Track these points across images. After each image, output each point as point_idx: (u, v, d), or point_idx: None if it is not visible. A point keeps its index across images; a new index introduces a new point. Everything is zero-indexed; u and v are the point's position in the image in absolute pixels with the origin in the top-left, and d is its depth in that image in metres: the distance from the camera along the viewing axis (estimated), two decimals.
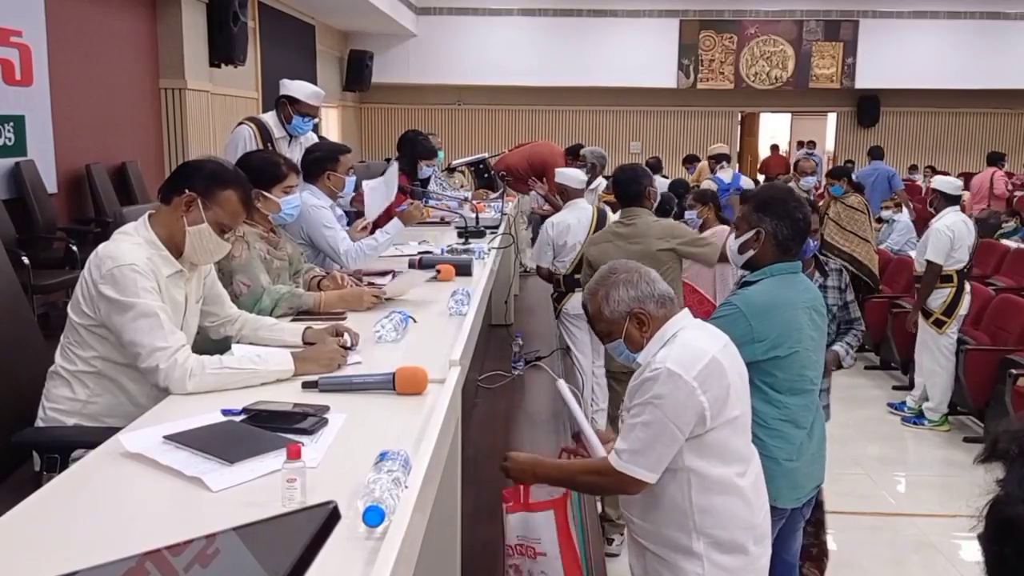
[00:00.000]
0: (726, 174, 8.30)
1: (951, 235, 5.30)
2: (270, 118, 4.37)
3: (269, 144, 4.22)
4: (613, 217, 5.36)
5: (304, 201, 3.45)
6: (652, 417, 2.04)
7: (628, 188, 4.01)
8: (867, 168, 10.12)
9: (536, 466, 2.27)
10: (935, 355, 5.51)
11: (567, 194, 5.28)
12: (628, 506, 2.23)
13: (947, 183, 5.61)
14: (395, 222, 3.61)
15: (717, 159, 8.61)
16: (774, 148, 16.48)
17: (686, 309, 2.27)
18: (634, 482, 2.07)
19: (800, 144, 15.30)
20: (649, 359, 2.13)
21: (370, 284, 3.01)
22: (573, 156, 8.12)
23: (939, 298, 5.39)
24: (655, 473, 2.06)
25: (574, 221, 5.14)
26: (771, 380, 2.52)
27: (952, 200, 5.52)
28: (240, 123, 4.37)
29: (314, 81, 12.16)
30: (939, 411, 5.62)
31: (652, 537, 2.18)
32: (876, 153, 10.56)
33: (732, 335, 2.41)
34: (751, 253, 2.64)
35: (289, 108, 4.33)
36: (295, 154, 4.41)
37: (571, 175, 5.34)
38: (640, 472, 2.05)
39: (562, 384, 2.46)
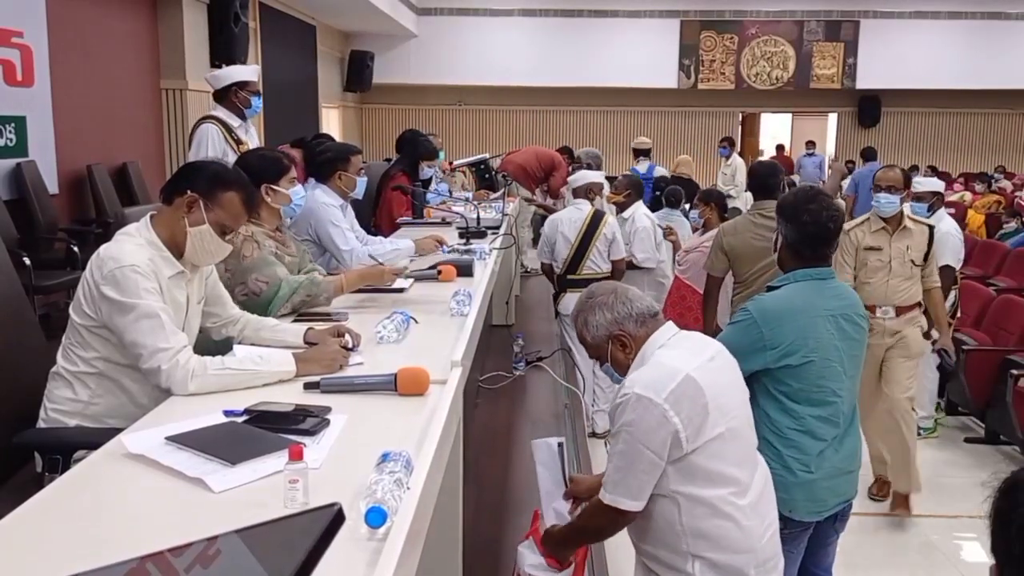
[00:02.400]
0: (642, 166, 8.97)
1: (959, 236, 5.15)
2: (221, 113, 4.40)
3: (232, 135, 4.29)
4: (611, 218, 5.36)
5: (315, 198, 3.49)
6: (626, 445, 1.97)
7: (767, 181, 4.09)
8: (864, 169, 10.13)
9: (557, 535, 2.18)
10: (927, 361, 5.21)
11: (593, 192, 5.36)
12: (628, 529, 2.18)
13: (939, 184, 5.37)
14: (408, 241, 3.69)
15: (636, 152, 9.25)
16: (780, 148, 16.52)
17: (668, 323, 2.17)
18: (622, 512, 2.02)
19: (806, 145, 15.30)
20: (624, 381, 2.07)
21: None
22: (568, 156, 8.21)
23: (947, 301, 5.07)
24: (639, 502, 2.00)
25: (566, 218, 5.16)
26: (785, 389, 2.48)
27: (942, 200, 5.32)
28: (201, 122, 4.39)
29: (315, 82, 12.23)
30: (930, 418, 5.46)
31: (652, 560, 2.13)
32: (869, 155, 10.61)
33: (744, 341, 2.40)
34: (774, 256, 2.70)
35: (243, 93, 4.36)
36: (252, 139, 4.49)
37: (590, 176, 5.46)
38: (625, 503, 1.99)
39: (539, 446, 2.34)
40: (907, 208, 4.34)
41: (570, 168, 7.52)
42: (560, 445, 2.33)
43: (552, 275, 5.27)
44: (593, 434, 5.15)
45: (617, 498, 2.00)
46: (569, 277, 5.13)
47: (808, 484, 2.50)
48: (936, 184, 5.32)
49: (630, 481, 1.99)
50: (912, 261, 4.11)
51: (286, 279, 2.71)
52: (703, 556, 2.03)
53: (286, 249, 2.92)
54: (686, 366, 2.00)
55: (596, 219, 5.16)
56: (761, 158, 16.13)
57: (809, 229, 2.58)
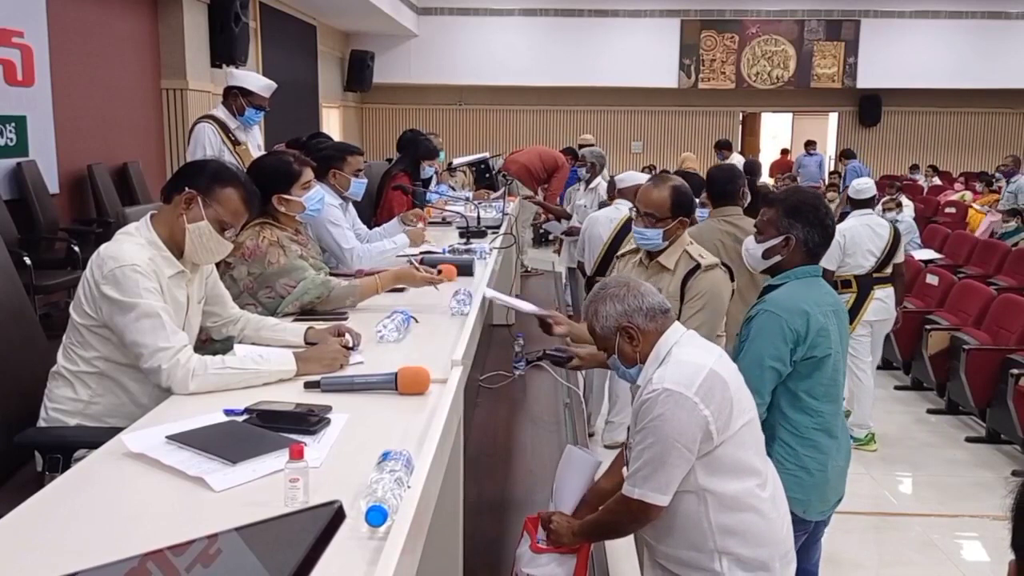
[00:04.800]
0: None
1: (842, 240, 5.04)
2: (220, 112, 4.36)
3: (230, 136, 4.26)
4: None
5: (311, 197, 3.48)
6: (656, 439, 1.98)
7: (725, 187, 4.03)
8: (856, 163, 10.17)
9: (572, 525, 2.22)
10: (864, 367, 5.16)
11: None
12: (645, 529, 2.18)
13: (854, 187, 5.38)
14: (402, 236, 3.71)
15: (582, 147, 9.40)
16: (784, 152, 16.44)
17: (677, 322, 2.20)
18: (648, 507, 2.02)
19: (806, 145, 15.29)
20: (647, 379, 2.08)
21: None
22: (572, 157, 8.20)
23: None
24: (666, 496, 2.01)
25: (603, 217, 5.10)
26: (808, 385, 2.46)
27: (859, 204, 5.26)
28: (197, 122, 4.36)
29: (316, 82, 12.22)
30: (865, 426, 5.24)
31: (671, 559, 2.13)
32: (849, 155, 10.72)
33: (773, 341, 2.39)
34: (777, 259, 2.59)
35: (241, 100, 4.31)
36: (253, 139, 4.45)
37: (638, 178, 5.42)
38: (651, 496, 2.00)
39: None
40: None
41: (575, 169, 7.52)
42: (598, 465, 2.37)
43: (583, 275, 5.19)
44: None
45: (646, 492, 2.01)
46: (597, 279, 5.00)
47: (822, 484, 2.51)
48: (851, 188, 5.28)
49: (660, 475, 2.00)
50: None
51: (309, 277, 2.73)
52: (731, 552, 2.05)
53: (310, 251, 2.94)
54: (707, 361, 2.05)
55: (631, 220, 5.05)
56: (725, 162, 16.13)
57: (831, 231, 2.60)
